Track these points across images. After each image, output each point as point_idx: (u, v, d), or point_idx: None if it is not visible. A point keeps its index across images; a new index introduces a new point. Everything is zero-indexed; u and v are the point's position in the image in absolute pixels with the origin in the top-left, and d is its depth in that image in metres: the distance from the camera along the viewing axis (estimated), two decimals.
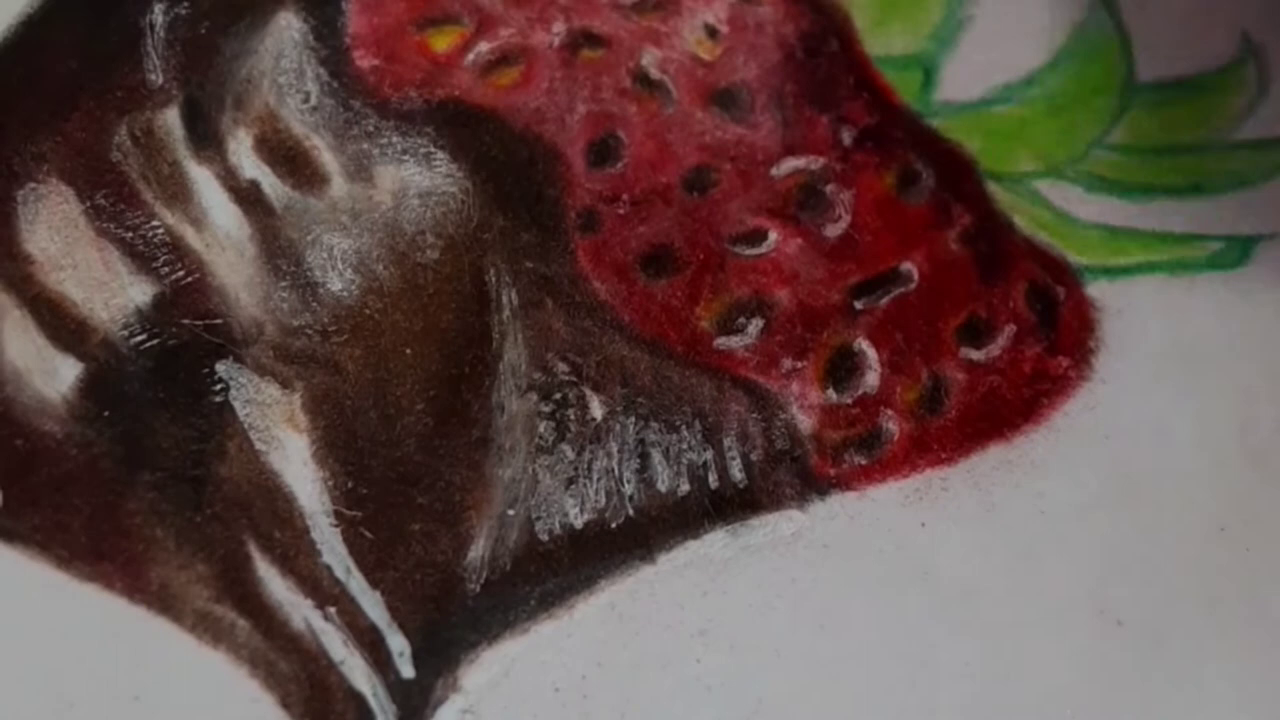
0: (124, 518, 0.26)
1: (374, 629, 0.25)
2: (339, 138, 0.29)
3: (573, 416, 0.27)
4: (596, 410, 0.27)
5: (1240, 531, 0.27)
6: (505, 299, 0.28)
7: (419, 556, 0.26)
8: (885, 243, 0.29)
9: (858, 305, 0.28)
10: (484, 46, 0.30)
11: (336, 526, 0.26)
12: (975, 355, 0.28)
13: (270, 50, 0.29)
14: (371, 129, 0.29)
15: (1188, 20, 0.31)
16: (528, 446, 0.27)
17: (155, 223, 0.28)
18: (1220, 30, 0.31)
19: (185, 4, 0.29)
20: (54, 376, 0.26)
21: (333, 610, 0.25)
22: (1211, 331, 0.28)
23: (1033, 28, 0.30)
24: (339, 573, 0.25)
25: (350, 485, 0.26)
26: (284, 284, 0.27)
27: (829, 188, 0.29)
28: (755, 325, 0.28)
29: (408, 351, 0.27)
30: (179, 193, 0.28)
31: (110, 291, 0.27)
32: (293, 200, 0.28)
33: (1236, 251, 0.29)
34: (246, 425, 0.26)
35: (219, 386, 0.27)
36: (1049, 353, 0.28)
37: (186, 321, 0.27)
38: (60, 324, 0.27)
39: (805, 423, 0.27)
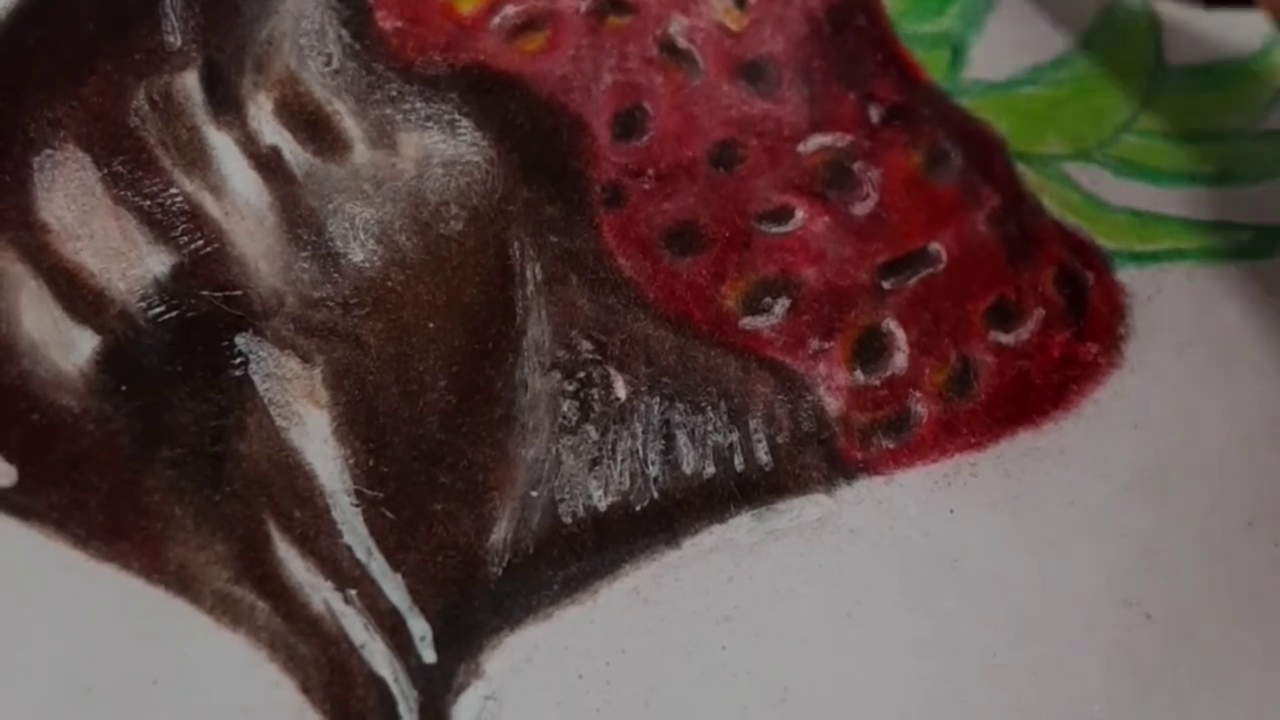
0: (142, 495, 0.25)
1: (395, 612, 0.25)
2: (361, 102, 0.28)
3: (597, 396, 0.26)
4: (621, 390, 0.26)
5: (1269, 525, 0.26)
6: (529, 273, 0.27)
7: (441, 538, 0.25)
8: (913, 222, 0.28)
9: (886, 285, 0.28)
10: (510, 10, 0.29)
11: (357, 506, 0.25)
12: (1004, 338, 0.28)
13: (291, 10, 0.28)
14: (394, 94, 0.28)
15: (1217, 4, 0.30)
16: (551, 426, 0.26)
17: (174, 190, 0.27)
18: (1249, 15, 0.31)
19: None
20: (71, 349, 0.26)
21: (353, 593, 0.25)
22: (1241, 322, 0.28)
23: (1062, 9, 0.30)
24: (360, 554, 0.25)
25: (371, 463, 0.26)
26: (305, 254, 0.27)
27: (856, 165, 0.29)
28: (782, 305, 0.27)
29: (430, 325, 0.27)
30: (198, 159, 0.27)
31: (128, 261, 0.26)
32: (314, 167, 0.27)
33: (1267, 242, 0.28)
34: (266, 400, 0.26)
35: (238, 360, 0.26)
36: (1078, 338, 0.28)
37: (205, 293, 0.26)
38: (77, 295, 0.26)
39: (833, 404, 0.27)
